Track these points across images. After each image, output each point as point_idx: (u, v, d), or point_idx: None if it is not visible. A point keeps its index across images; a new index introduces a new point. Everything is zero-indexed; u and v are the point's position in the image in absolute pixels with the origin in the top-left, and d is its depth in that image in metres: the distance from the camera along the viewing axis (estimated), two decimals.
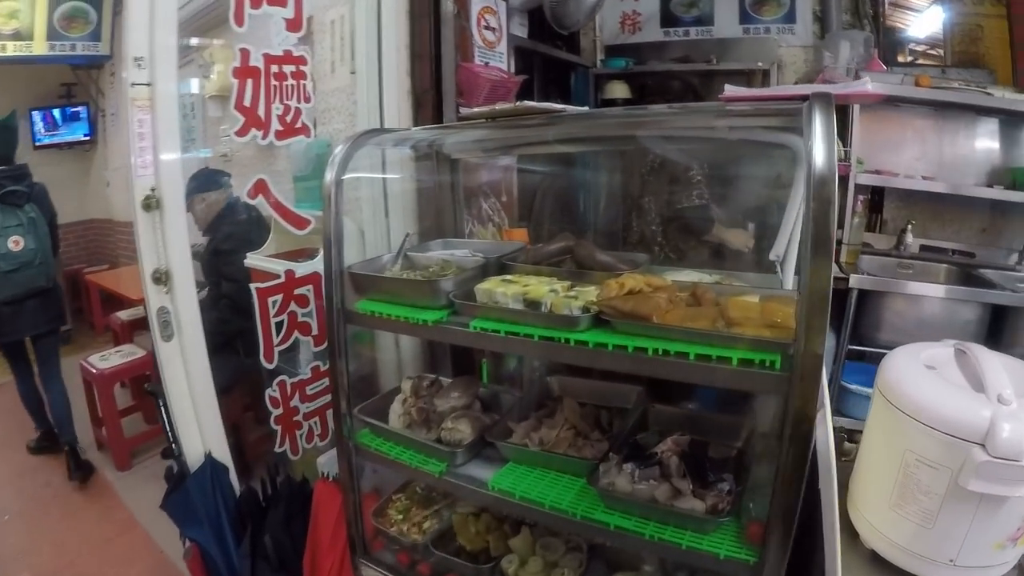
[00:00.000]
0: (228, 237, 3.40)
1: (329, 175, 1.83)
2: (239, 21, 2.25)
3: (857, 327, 3.04)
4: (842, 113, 3.11)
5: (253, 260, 2.96)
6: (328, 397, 2.70)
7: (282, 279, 2.51)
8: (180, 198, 2.27)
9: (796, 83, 3.52)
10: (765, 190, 2.63)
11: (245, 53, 2.28)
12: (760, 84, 3.60)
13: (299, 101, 2.46)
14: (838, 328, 3.03)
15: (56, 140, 6.94)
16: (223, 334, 3.04)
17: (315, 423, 2.70)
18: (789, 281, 1.71)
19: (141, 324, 4.81)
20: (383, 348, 2.76)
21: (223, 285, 3.31)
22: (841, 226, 3.18)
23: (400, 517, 2.11)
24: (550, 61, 3.74)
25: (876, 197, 3.50)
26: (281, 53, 2.38)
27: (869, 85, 1.70)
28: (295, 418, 2.63)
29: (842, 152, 3.13)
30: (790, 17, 3.69)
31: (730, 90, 1.68)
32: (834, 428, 1.38)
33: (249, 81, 2.31)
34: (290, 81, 2.43)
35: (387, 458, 1.92)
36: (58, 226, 4.19)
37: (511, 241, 2.37)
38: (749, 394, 1.81)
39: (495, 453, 1.83)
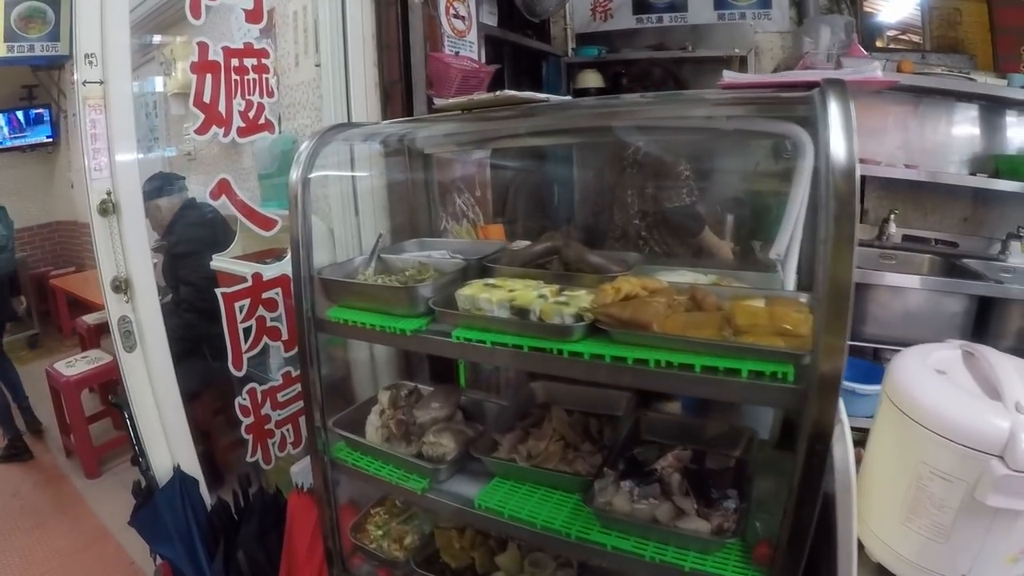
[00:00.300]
0: (184, 240, 3.28)
1: (295, 173, 1.67)
2: (196, 14, 2.08)
3: None
4: None
5: (219, 262, 2.81)
6: (301, 403, 2.54)
7: (249, 283, 2.35)
8: (138, 202, 2.10)
9: (775, 70, 3.40)
10: (763, 184, 2.54)
11: (203, 47, 2.11)
12: (737, 71, 3.48)
13: (262, 96, 2.29)
14: None
15: (19, 143, 6.72)
16: (186, 339, 2.89)
17: (287, 431, 2.54)
18: (790, 281, 1.60)
19: (108, 328, 4.59)
20: (356, 350, 2.59)
21: (181, 290, 3.19)
22: None
23: (380, 532, 1.97)
24: (520, 50, 3.57)
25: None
26: (241, 46, 2.21)
27: (879, 71, 1.57)
28: (267, 426, 2.46)
29: None
30: (765, 2, 3.55)
31: (729, 76, 1.54)
32: None
33: (208, 76, 2.14)
34: (251, 75, 2.26)
35: (365, 473, 1.76)
36: None
37: (490, 240, 2.22)
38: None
39: (480, 466, 1.67)
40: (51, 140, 6.83)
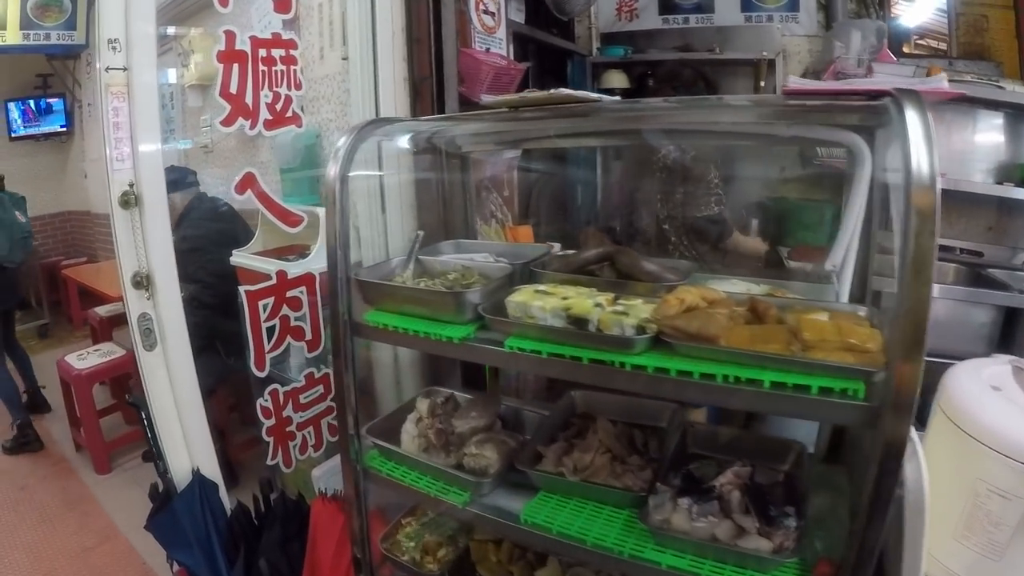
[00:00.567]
0: (193, 236, 3.15)
1: (333, 169, 1.53)
2: (224, 1, 1.95)
3: None
4: None
5: (239, 258, 2.67)
6: (323, 405, 2.41)
7: (274, 280, 2.21)
8: (162, 194, 1.97)
9: (803, 75, 3.27)
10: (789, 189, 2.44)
11: (230, 35, 1.98)
12: (766, 75, 3.36)
13: (289, 88, 2.16)
14: None
15: (32, 132, 6.57)
16: (196, 336, 2.75)
17: (309, 433, 2.40)
18: (845, 293, 1.55)
19: (120, 320, 4.42)
20: (379, 351, 2.47)
21: (190, 286, 3.03)
22: None
23: (412, 544, 1.84)
24: (545, 49, 3.45)
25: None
26: (269, 36, 2.08)
27: (945, 83, 1.50)
28: (288, 428, 2.32)
29: None
30: (793, 5, 3.43)
31: (795, 82, 1.45)
32: None
33: (235, 66, 2.01)
34: (279, 66, 2.13)
35: (401, 484, 1.63)
36: None
37: (531, 244, 2.07)
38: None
39: (521, 479, 1.55)
40: (65, 130, 6.70)
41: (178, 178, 3.28)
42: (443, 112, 2.36)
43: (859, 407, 1.04)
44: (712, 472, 1.45)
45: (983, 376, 1.22)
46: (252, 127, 2.07)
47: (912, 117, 0.97)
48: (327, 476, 2.24)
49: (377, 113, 2.41)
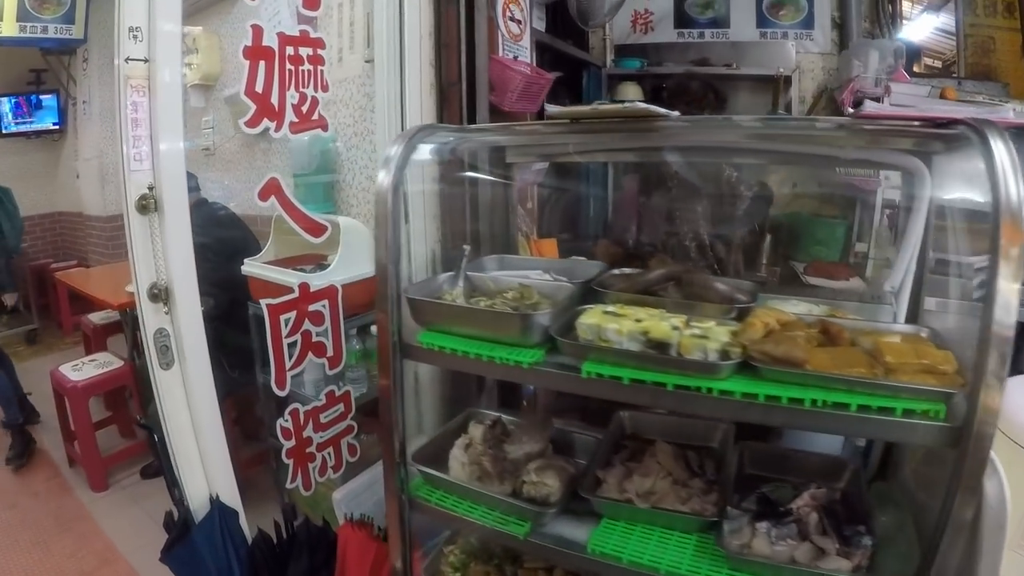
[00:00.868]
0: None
1: (385, 178, 1.38)
2: None
3: None
4: None
5: (252, 268, 2.47)
6: (343, 424, 2.23)
7: (296, 294, 2.03)
8: (183, 199, 1.78)
9: (819, 92, 3.19)
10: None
11: (257, 30, 1.80)
12: (782, 91, 3.24)
13: (316, 90, 1.99)
14: None
15: (23, 128, 6.25)
16: None
17: (328, 454, 2.22)
18: (902, 314, 1.57)
19: (115, 329, 4.18)
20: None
21: None
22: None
23: (458, 575, 1.67)
24: (561, 59, 3.30)
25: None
26: (297, 33, 1.90)
27: (1012, 113, 1.43)
28: (308, 449, 2.14)
29: None
30: (808, 23, 3.35)
31: (870, 107, 1.37)
32: None
33: (262, 63, 1.83)
34: (306, 66, 1.96)
35: (451, 514, 1.49)
36: None
37: (583, 260, 1.90)
38: None
39: (580, 506, 1.43)
40: (58, 127, 6.37)
41: None
42: (473, 121, 2.23)
43: (942, 428, 1.04)
44: (789, 495, 1.39)
45: None
46: (277, 129, 1.90)
47: (999, 147, 1.00)
48: (350, 499, 2.08)
49: (403, 118, 2.26)
